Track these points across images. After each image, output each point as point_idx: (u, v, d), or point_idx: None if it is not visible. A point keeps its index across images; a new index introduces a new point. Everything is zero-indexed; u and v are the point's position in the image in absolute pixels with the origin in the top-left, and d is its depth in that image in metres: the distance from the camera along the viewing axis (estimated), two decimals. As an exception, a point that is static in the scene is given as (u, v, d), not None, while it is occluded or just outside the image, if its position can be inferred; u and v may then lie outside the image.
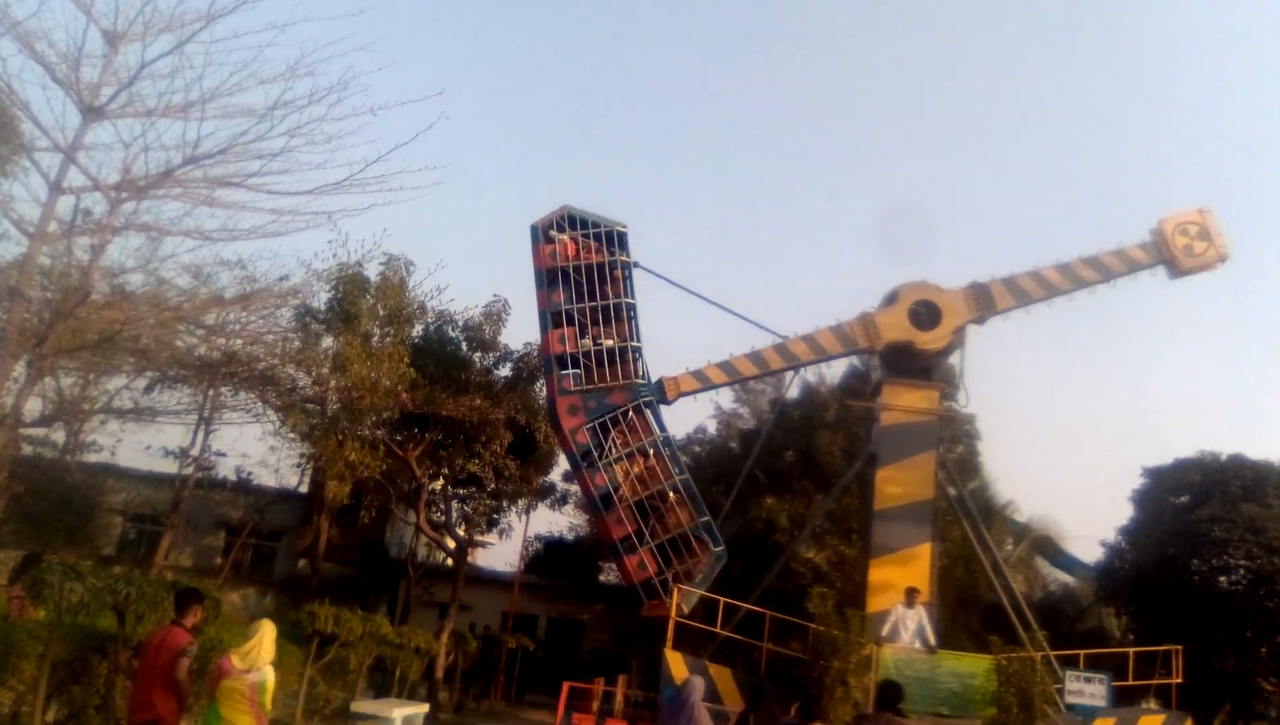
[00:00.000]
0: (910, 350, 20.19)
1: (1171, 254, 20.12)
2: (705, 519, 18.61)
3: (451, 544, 27.07)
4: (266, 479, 30.13)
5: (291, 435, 24.59)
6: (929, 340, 20.05)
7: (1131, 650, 19.47)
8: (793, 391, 29.95)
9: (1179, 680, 18.02)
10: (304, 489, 32.66)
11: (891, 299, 20.60)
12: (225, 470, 30.18)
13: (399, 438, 24.89)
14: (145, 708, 8.45)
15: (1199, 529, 24.05)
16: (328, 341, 23.54)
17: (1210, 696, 23.68)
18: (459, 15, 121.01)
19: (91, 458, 27.17)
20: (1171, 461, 26.72)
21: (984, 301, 20.34)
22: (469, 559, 29.23)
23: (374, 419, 23.72)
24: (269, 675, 8.71)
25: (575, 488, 36.68)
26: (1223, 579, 24.44)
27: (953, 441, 27.00)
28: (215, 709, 8.48)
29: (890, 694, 9.48)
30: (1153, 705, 18.43)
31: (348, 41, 11.30)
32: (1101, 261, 20.42)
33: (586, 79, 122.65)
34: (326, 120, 11.55)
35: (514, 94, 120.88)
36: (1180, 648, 18.44)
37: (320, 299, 23.30)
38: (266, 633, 8.80)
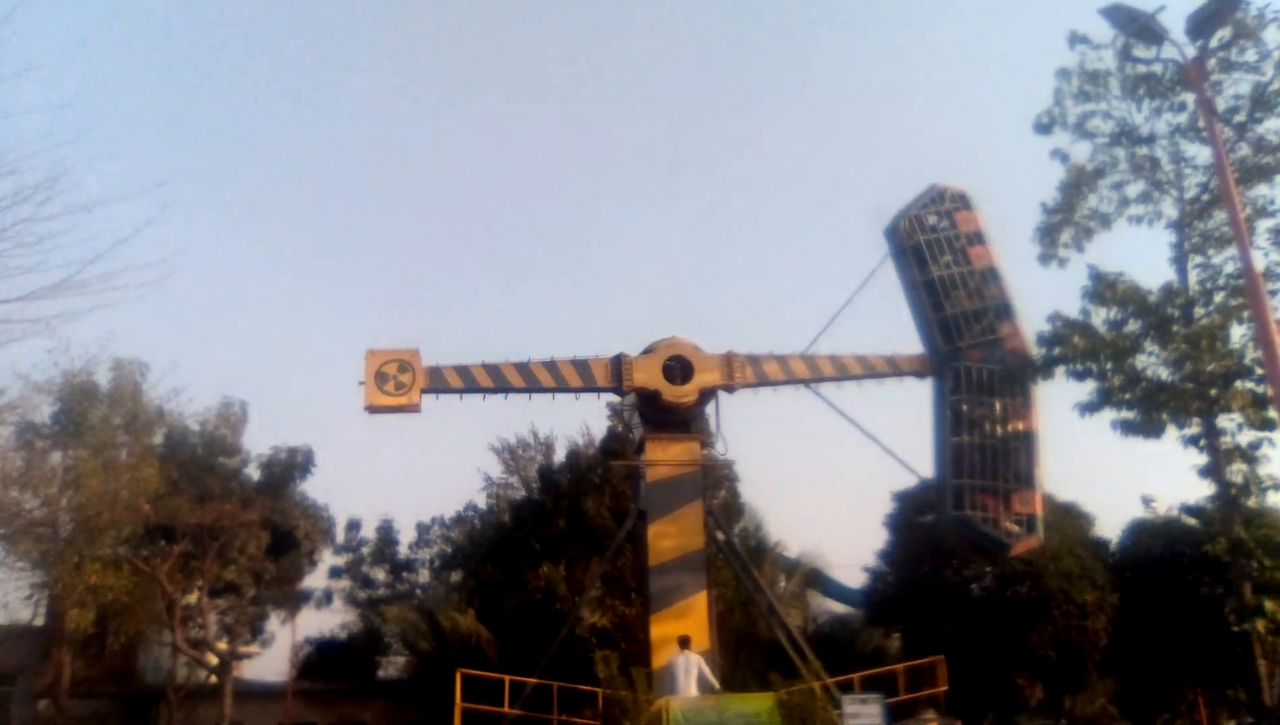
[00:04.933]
0: (658, 400, 20.71)
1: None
2: None
3: (214, 660, 25.37)
4: (-7, 615, 27.30)
5: (20, 564, 22.51)
6: (677, 394, 20.65)
7: (900, 666, 20.49)
8: (561, 454, 30.11)
9: (945, 688, 19.13)
10: (39, 622, 29.77)
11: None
12: (-60, 612, 27.20)
13: (144, 553, 23.24)
14: None
15: (944, 544, 25.74)
16: (56, 457, 21.82)
17: (977, 697, 25.29)
18: (178, 99, 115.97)
19: None
20: (916, 483, 28.55)
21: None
22: (235, 673, 27.44)
23: (115, 536, 22.05)
24: None
25: (343, 584, 35.33)
26: (974, 586, 26.26)
27: (715, 488, 27.82)
28: None
29: None
30: (929, 715, 19.41)
31: (54, 136, 10.61)
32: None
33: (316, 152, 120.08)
34: (35, 220, 10.79)
35: (238, 177, 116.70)
36: (942, 657, 19.62)
37: (44, 413, 21.65)
38: None
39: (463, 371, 20.26)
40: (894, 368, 22.08)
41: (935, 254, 21.97)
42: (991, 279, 21.95)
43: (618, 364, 20.72)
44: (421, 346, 20.14)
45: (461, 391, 20.37)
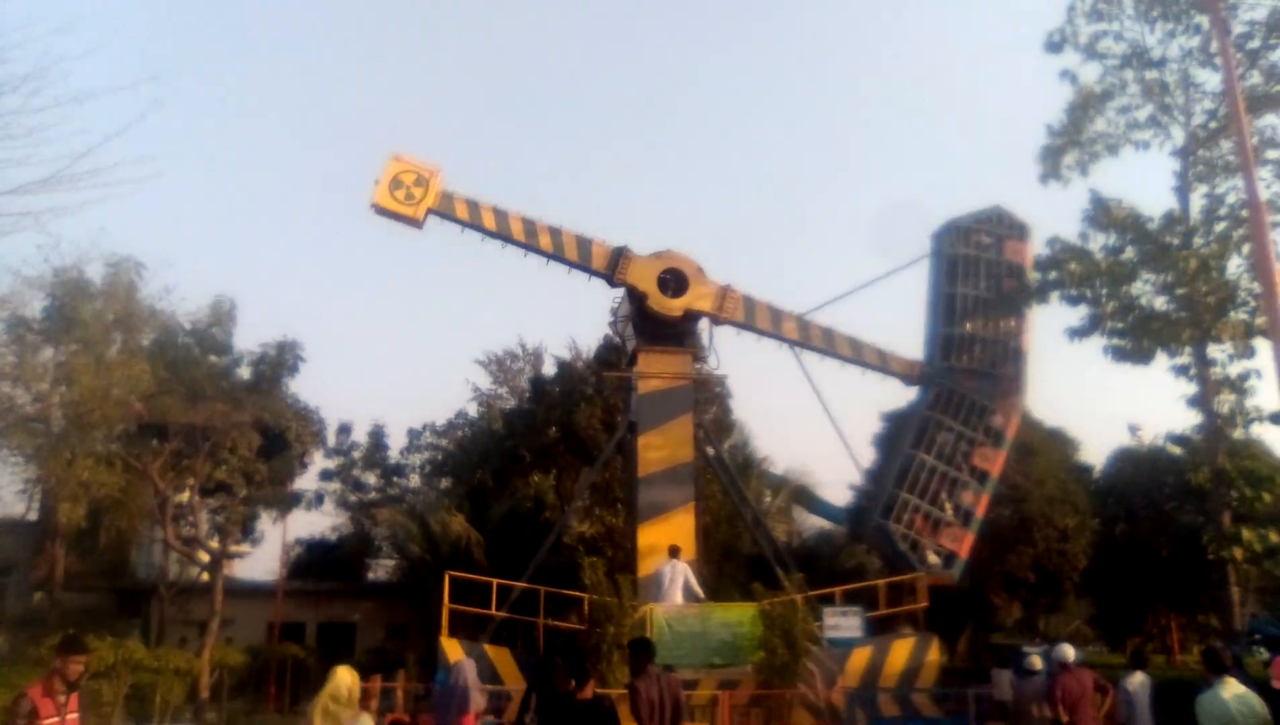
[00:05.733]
0: (644, 305, 20.82)
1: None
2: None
3: (205, 557, 25.68)
4: (-13, 509, 27.56)
5: (14, 458, 22.61)
6: (664, 305, 20.75)
7: (881, 582, 20.82)
8: (549, 368, 30.16)
9: (925, 604, 19.45)
10: (33, 516, 30.06)
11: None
12: (-64, 505, 27.45)
13: (136, 451, 23.34)
14: None
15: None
16: (48, 353, 21.78)
17: (956, 615, 25.78)
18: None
19: None
20: (905, 405, 28.70)
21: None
22: (226, 571, 27.80)
23: (106, 433, 22.13)
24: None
25: (333, 486, 35.61)
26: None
27: (706, 403, 27.97)
28: None
29: (639, 651, 8.90)
30: (907, 631, 19.79)
31: (42, 24, 10.38)
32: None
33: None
34: (24, 112, 10.60)
35: (229, 68, 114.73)
36: (922, 574, 19.93)
37: (35, 308, 21.55)
38: (342, 680, 7.74)
39: (472, 206, 20.36)
40: (883, 364, 22.18)
41: (970, 272, 21.87)
42: (1014, 318, 21.87)
43: (618, 255, 20.86)
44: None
45: (465, 225, 20.44)
